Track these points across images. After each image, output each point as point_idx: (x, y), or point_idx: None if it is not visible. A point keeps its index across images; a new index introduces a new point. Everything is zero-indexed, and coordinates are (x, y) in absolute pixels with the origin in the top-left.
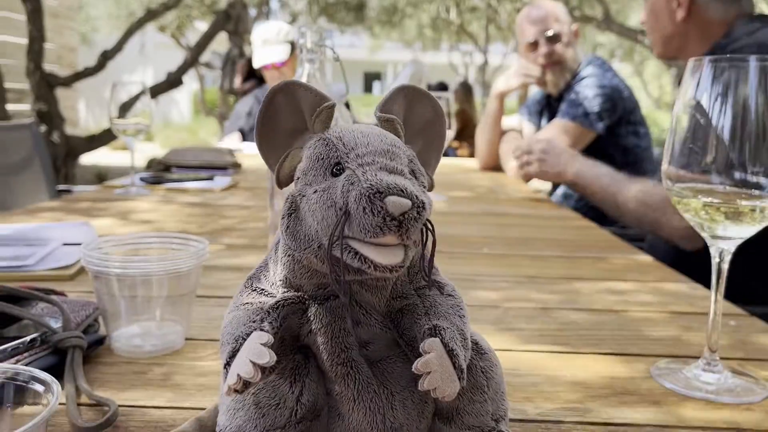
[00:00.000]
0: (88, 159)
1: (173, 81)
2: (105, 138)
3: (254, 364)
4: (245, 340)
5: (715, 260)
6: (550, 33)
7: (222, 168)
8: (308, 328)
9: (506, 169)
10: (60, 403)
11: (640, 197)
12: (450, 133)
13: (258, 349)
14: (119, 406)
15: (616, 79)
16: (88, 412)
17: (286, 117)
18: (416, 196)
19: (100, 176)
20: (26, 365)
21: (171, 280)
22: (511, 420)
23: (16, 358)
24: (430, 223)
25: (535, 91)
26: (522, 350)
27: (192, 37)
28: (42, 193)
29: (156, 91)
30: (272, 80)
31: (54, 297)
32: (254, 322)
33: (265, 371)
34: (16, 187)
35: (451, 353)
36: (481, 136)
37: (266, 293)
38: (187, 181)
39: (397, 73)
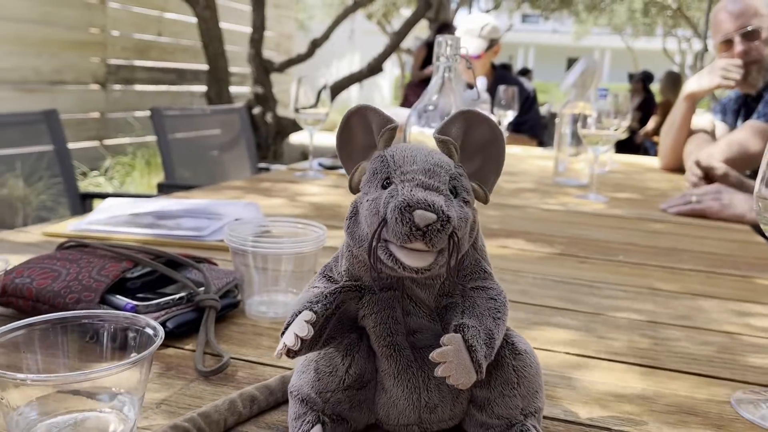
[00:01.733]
0: (297, 138)
1: (373, 68)
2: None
3: (296, 335)
4: (296, 318)
5: None
6: (748, 29)
7: None
8: (363, 313)
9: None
10: (191, 350)
11: None
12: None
13: (301, 325)
14: (234, 358)
15: None
16: (211, 360)
17: (359, 135)
18: (443, 210)
19: (305, 154)
20: (172, 317)
21: (296, 259)
22: (558, 420)
23: (165, 310)
24: (456, 235)
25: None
26: (601, 358)
27: (397, 25)
28: (246, 169)
29: (357, 78)
30: (464, 69)
31: (204, 265)
32: (311, 303)
33: (304, 342)
34: (227, 163)
35: (470, 348)
36: (666, 136)
37: (333, 280)
38: None
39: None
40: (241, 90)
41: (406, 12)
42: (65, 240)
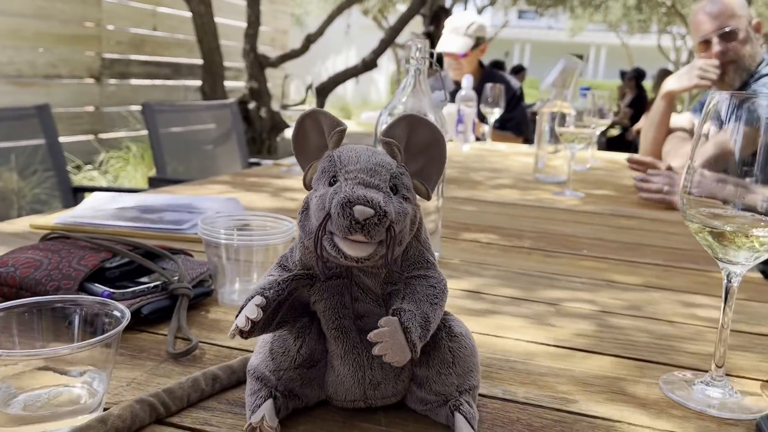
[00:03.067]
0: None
1: (368, 64)
2: None
3: (247, 318)
4: (249, 301)
5: (723, 281)
6: (726, 30)
7: None
8: (314, 299)
9: None
10: (164, 335)
11: None
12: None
13: (252, 308)
14: (203, 342)
15: None
16: (182, 343)
17: (313, 137)
18: (380, 206)
19: None
20: (147, 304)
21: (265, 250)
22: (496, 398)
23: (140, 297)
24: (394, 228)
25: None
26: (547, 344)
27: (393, 20)
28: (237, 163)
29: (352, 73)
30: (449, 66)
31: (179, 256)
32: (263, 289)
33: (255, 324)
34: (218, 157)
35: (405, 330)
36: (646, 134)
37: (287, 269)
38: None
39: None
40: (236, 84)
41: (402, 7)
42: (48, 232)
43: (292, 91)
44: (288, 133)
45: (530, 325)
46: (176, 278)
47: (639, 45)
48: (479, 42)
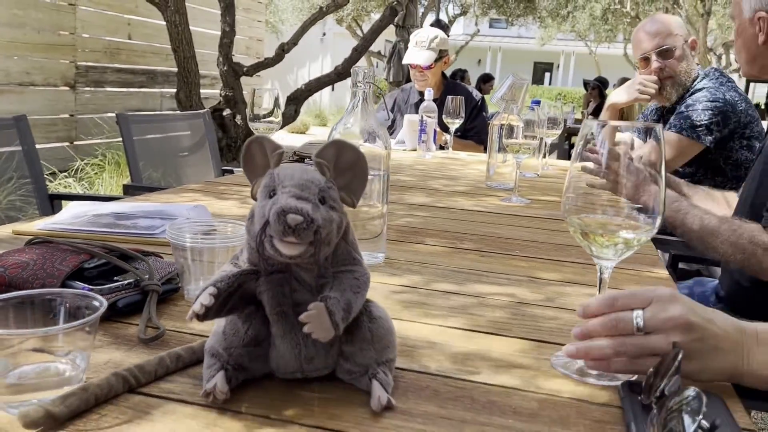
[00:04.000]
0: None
1: (341, 73)
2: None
3: (202, 304)
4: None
5: (597, 273)
6: (663, 48)
7: None
8: (259, 290)
9: None
10: (136, 324)
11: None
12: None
13: (206, 296)
14: (170, 330)
15: (732, 92)
16: (152, 331)
17: (258, 157)
18: (308, 214)
19: None
20: (122, 299)
21: (226, 251)
22: (413, 371)
23: (115, 293)
24: (321, 232)
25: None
26: (464, 329)
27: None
28: (210, 171)
29: (326, 82)
30: (414, 78)
31: (150, 258)
32: (216, 281)
33: (209, 309)
34: (191, 166)
35: (330, 313)
36: None
37: (237, 266)
38: None
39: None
40: (212, 92)
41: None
42: (32, 237)
43: (265, 101)
44: None
45: (455, 314)
46: (147, 276)
47: (606, 53)
48: (442, 55)
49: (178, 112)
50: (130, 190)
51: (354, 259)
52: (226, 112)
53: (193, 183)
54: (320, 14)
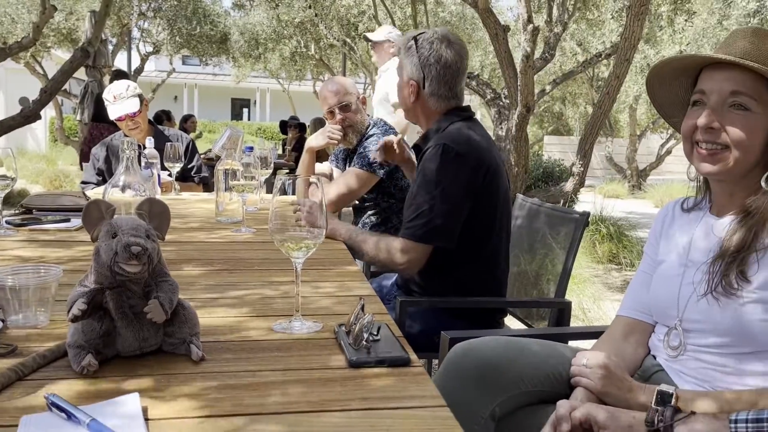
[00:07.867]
0: None
1: (29, 116)
2: None
3: (79, 309)
4: (74, 303)
5: (294, 267)
6: (343, 103)
7: (77, 210)
8: (106, 300)
9: None
10: None
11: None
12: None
13: (80, 304)
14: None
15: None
16: (7, 348)
17: (96, 214)
18: (143, 246)
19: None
20: None
21: (41, 289)
22: (208, 342)
23: None
24: (151, 256)
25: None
26: (216, 316)
27: (48, 65)
28: None
29: (10, 125)
30: (127, 128)
31: None
32: (79, 296)
33: (84, 313)
34: None
35: (161, 304)
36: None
37: (86, 286)
38: (47, 223)
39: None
40: None
41: (57, 52)
42: None
43: None
44: None
45: (215, 310)
46: None
47: (298, 90)
48: (142, 99)
49: None
50: None
51: (165, 273)
52: None
53: None
54: (2, 55)
